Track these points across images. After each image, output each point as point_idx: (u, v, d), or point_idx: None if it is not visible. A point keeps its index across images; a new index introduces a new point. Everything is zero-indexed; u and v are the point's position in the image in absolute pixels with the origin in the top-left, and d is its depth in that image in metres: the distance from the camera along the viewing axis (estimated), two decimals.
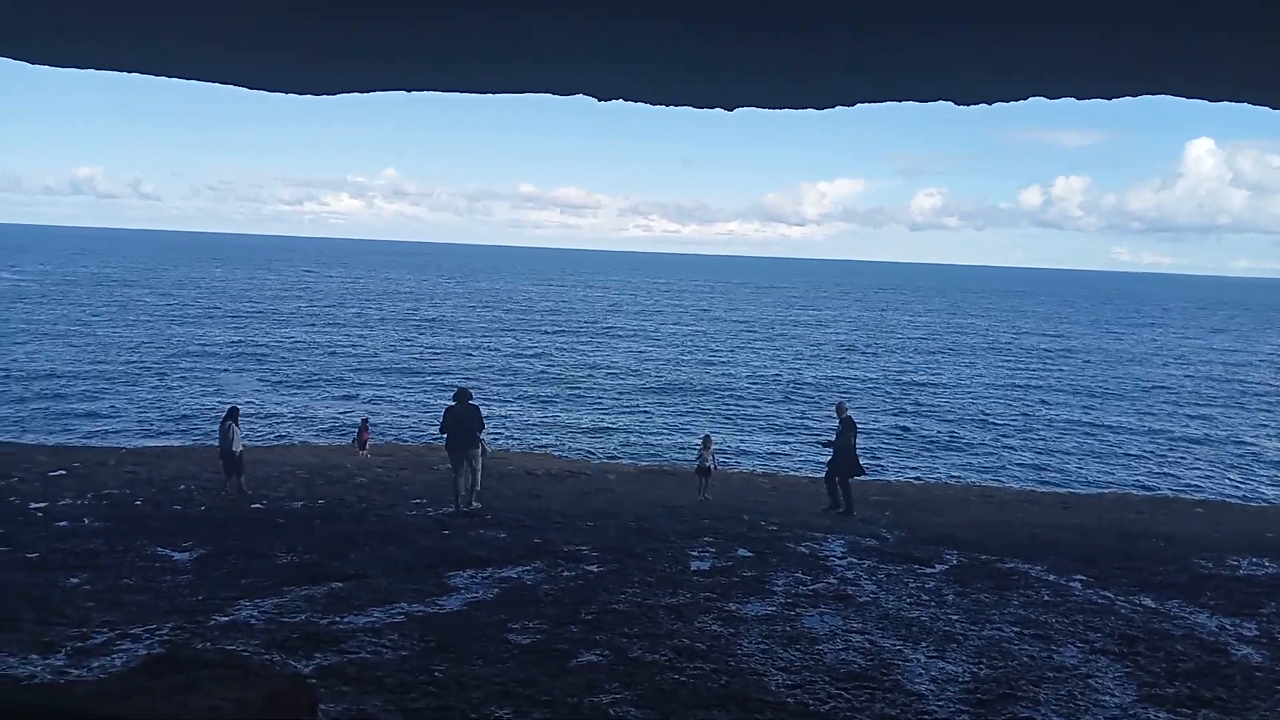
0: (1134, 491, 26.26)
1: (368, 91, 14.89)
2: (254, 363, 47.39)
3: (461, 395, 15.66)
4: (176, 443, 28.11)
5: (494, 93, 14.69)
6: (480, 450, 15.45)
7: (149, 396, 37.17)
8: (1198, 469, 31.36)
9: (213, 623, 8.67)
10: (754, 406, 41.03)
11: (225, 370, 44.57)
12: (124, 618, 8.69)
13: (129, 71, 14.97)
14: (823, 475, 18.44)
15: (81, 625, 8.38)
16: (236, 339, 56.03)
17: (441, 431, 15.59)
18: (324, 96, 15.13)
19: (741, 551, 12.81)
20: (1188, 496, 25.26)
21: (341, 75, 13.68)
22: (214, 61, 13.47)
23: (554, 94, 14.41)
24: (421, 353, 54.61)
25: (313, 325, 66.36)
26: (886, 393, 45.71)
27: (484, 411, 16.10)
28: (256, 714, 5.35)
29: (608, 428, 35.32)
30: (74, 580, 10.05)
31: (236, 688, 5.52)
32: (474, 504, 15.28)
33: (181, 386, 39.70)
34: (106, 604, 9.16)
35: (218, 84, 15.50)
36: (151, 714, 4.96)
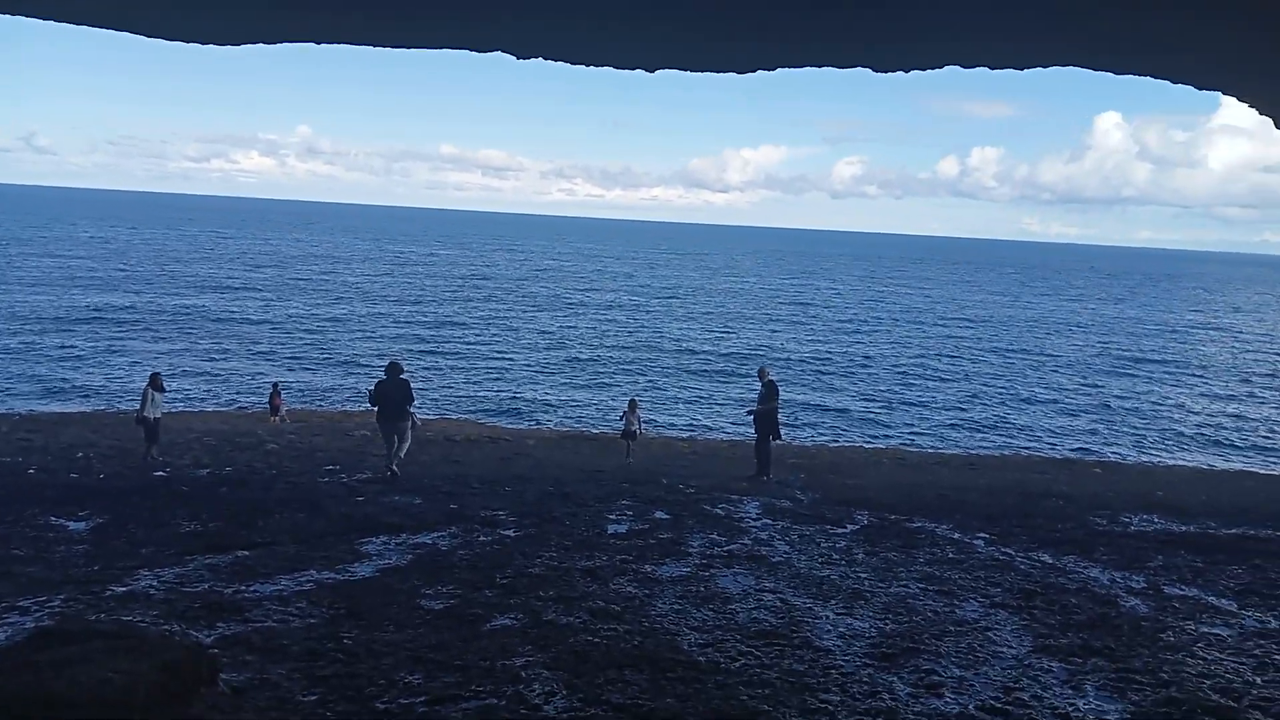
0: (1037, 453, 27.31)
1: (275, 42, 14.29)
2: (159, 326, 45.60)
3: (392, 369, 15.73)
4: (76, 409, 26.96)
5: (408, 47, 14.24)
6: (410, 423, 15.64)
7: (46, 361, 35.49)
8: (1097, 431, 32.74)
9: (109, 593, 8.35)
10: (675, 372, 41.27)
11: (129, 334, 42.80)
12: (13, 589, 8.31)
13: (21, 15, 14.07)
14: (747, 441, 18.71)
15: None
16: (141, 302, 53.80)
17: (371, 404, 15.71)
18: (228, 47, 14.46)
19: (659, 514, 12.90)
20: (1086, 458, 26.40)
21: (245, 24, 13.07)
22: (111, 6, 12.73)
23: (471, 50, 14.04)
24: (338, 318, 53.34)
25: (222, 288, 64.12)
26: (805, 358, 46.45)
27: (403, 378, 15.97)
28: (151, 685, 5.18)
29: (529, 394, 35.12)
30: None
31: (130, 659, 5.34)
32: (394, 469, 15.17)
33: (85, 349, 38.01)
34: None
35: (117, 31, 14.68)
36: (35, 689, 4.75)
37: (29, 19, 14.27)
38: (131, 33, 14.39)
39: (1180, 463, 27.05)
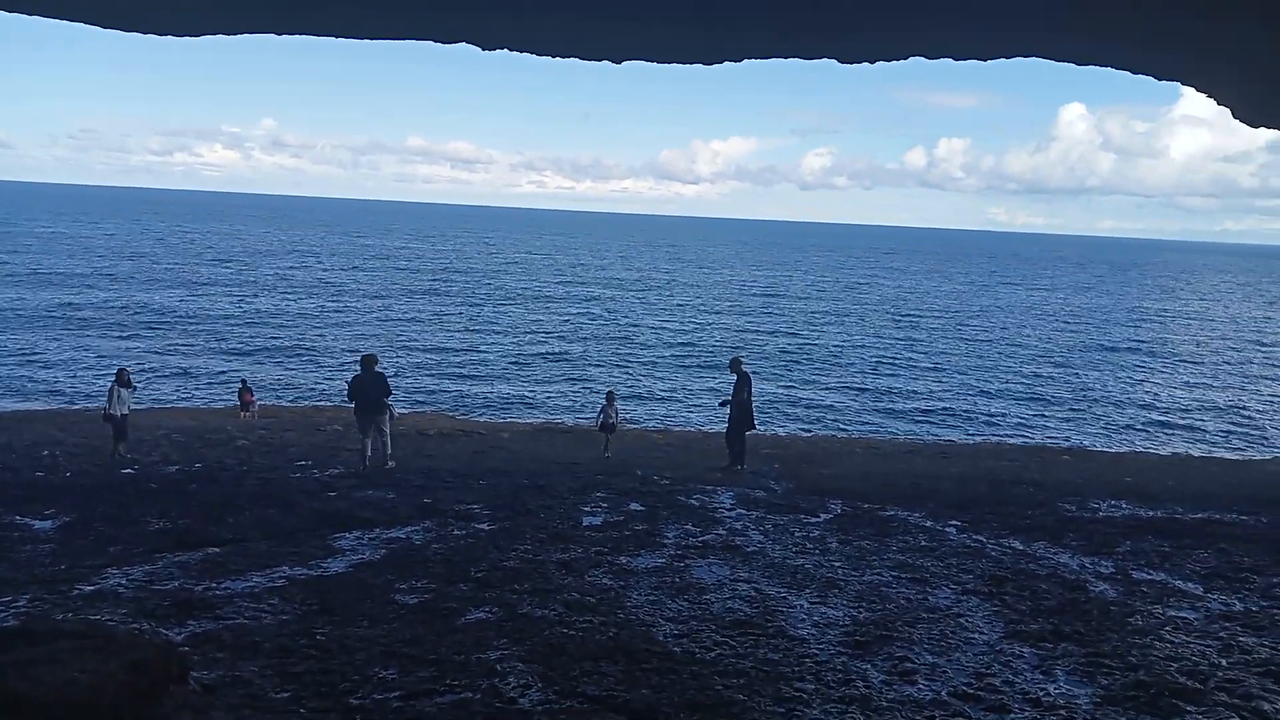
0: (1008, 440, 27.64)
1: (234, 33, 14.08)
2: (125, 322, 44.94)
3: (367, 362, 15.84)
4: (40, 406, 26.53)
5: (370, 38, 14.11)
6: (388, 415, 15.87)
7: (9, 359, 34.88)
8: (1067, 419, 33.18)
9: (76, 592, 8.22)
10: (649, 364, 41.31)
11: (94, 331, 42.15)
12: None
13: None
14: (722, 432, 18.71)
15: None
16: (106, 298, 52.99)
17: (349, 399, 15.90)
18: (187, 38, 14.23)
19: (634, 506, 12.91)
20: (1056, 445, 26.74)
21: (204, 14, 12.87)
22: None
23: (435, 41, 13.91)
24: (307, 312, 52.84)
25: (189, 283, 63.29)
26: (777, 349, 46.66)
27: (380, 367, 16.29)
28: (119, 685, 5.10)
29: (502, 387, 35.00)
30: None
31: (97, 658, 5.24)
32: (390, 464, 15.52)
33: (47, 347, 37.38)
34: None
35: (73, 22, 14.41)
36: None
37: None
38: (89, 24, 14.13)
39: (1149, 449, 27.48)
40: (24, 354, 35.82)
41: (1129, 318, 70.97)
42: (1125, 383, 41.25)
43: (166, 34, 14.07)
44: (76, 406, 26.07)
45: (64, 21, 14.40)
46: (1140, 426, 32.67)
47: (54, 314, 45.72)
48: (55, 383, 31.37)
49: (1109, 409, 35.35)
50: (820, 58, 13.83)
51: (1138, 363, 47.29)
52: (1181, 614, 8.69)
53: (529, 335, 48.33)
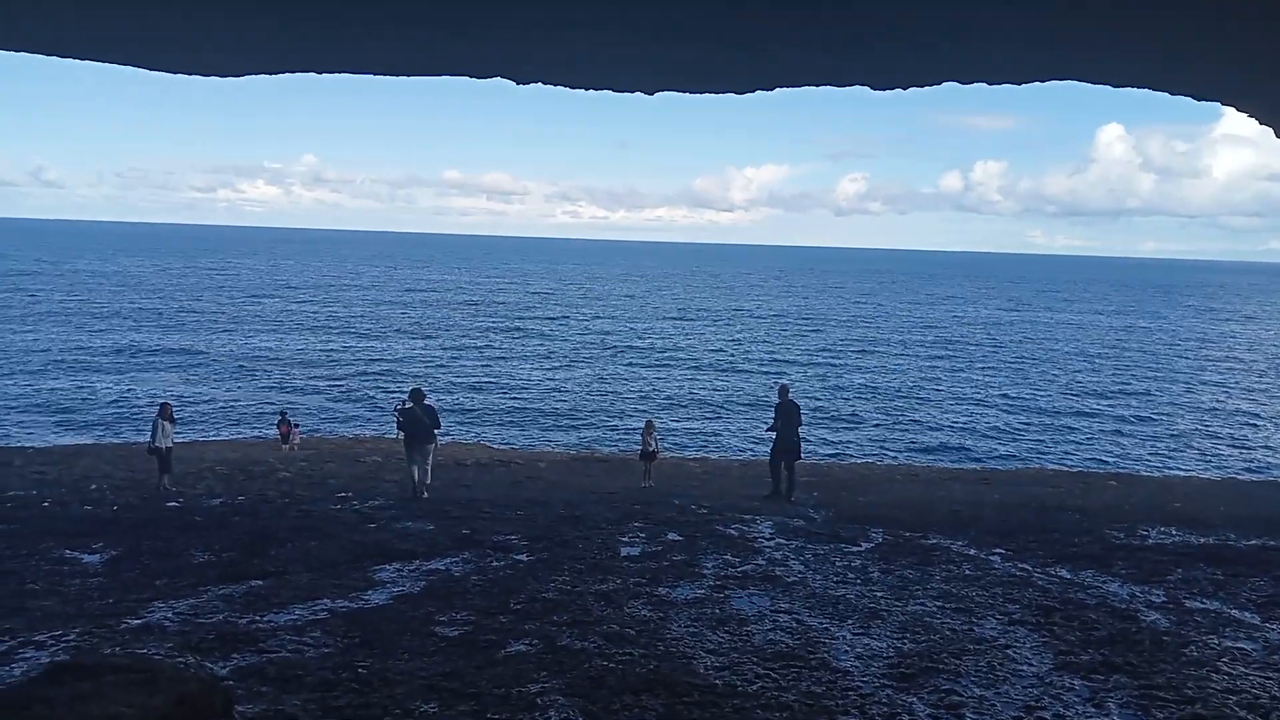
0: (1051, 466, 27.15)
1: (276, 73, 14.44)
2: (171, 357, 45.84)
3: (416, 395, 16.50)
4: (89, 440, 27.07)
5: (408, 74, 14.39)
6: (434, 445, 16.56)
7: (60, 394, 35.68)
8: (1111, 443, 32.55)
9: (123, 626, 8.33)
10: (684, 391, 41.24)
11: (141, 365, 43.02)
12: (27, 624, 8.29)
13: (28, 52, 14.27)
14: (760, 460, 18.50)
15: None
16: (152, 333, 54.12)
17: (400, 429, 16.44)
18: (229, 79, 14.61)
19: (672, 535, 12.84)
20: (1101, 470, 26.22)
21: (247, 56, 13.22)
22: (113, 42, 12.89)
23: (471, 76, 14.15)
24: (347, 345, 53.53)
25: (232, 318, 64.47)
26: (814, 375, 46.37)
27: (427, 403, 16.85)
28: (164, 719, 5.16)
29: (539, 416, 35.13)
30: None
31: (144, 693, 5.31)
32: (425, 493, 15.98)
33: (96, 383, 38.20)
34: (8, 610, 8.73)
35: (122, 66, 14.88)
36: None
37: (34, 55, 14.48)
38: (136, 67, 14.57)
39: (1197, 473, 26.85)
40: (73, 389, 36.62)
41: (1173, 339, 69.67)
42: (1172, 405, 40.42)
43: (211, 75, 14.48)
44: (120, 440, 26.55)
45: (114, 65, 14.90)
46: (1189, 450, 31.96)
47: (102, 350, 46.74)
48: (103, 417, 32.02)
49: (1155, 432, 34.64)
50: (852, 85, 13.87)
51: (1184, 385, 46.34)
52: (1239, 645, 8.45)
53: (564, 364, 48.51)
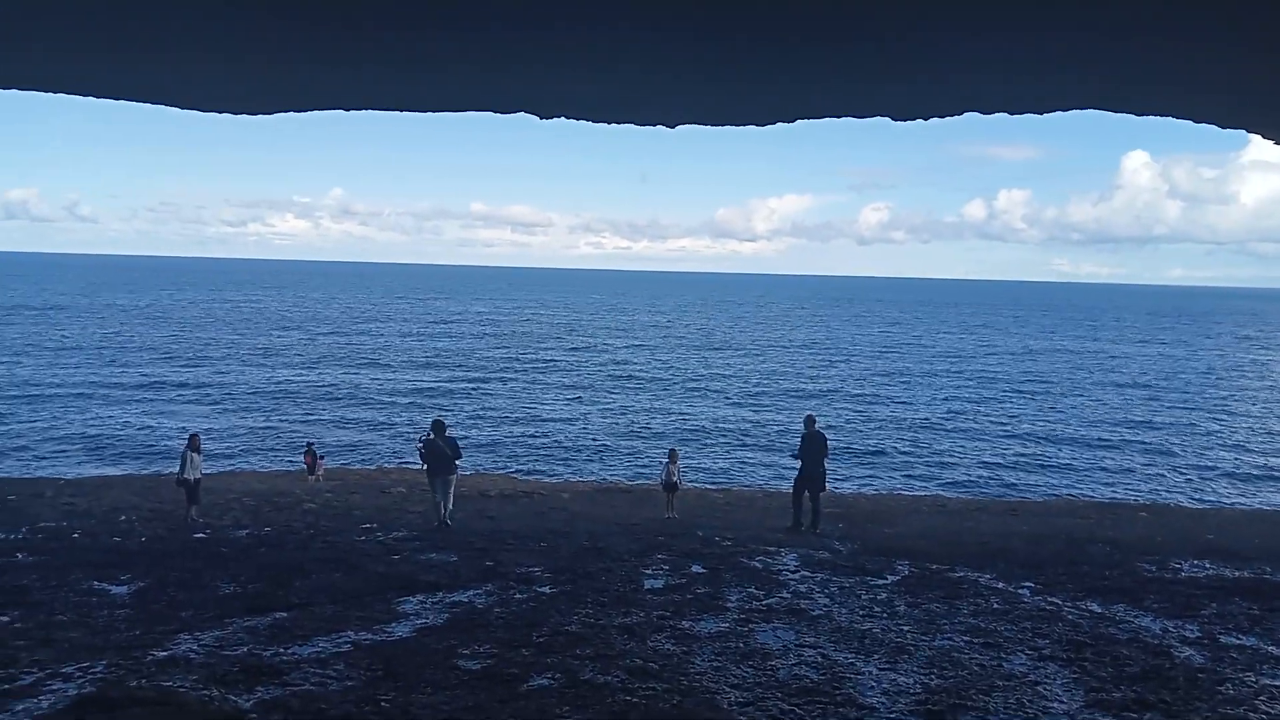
0: (1080, 497, 26.76)
1: (304, 111, 14.73)
2: (200, 389, 46.36)
3: (438, 426, 16.74)
4: (119, 472, 27.36)
5: (432, 111, 14.63)
6: (455, 476, 16.72)
7: (91, 425, 36.14)
8: (1141, 473, 32.05)
9: (150, 658, 8.38)
10: (708, 422, 41.12)
11: (170, 398, 43.53)
12: (55, 656, 8.36)
13: (63, 93, 14.65)
14: (782, 491, 18.37)
15: (9, 666, 8.04)
16: (180, 365, 54.79)
17: (422, 461, 16.63)
18: (259, 116, 14.92)
19: (695, 568, 12.77)
20: (1132, 501, 25.81)
21: (277, 95, 13.52)
22: (147, 81, 13.21)
23: (495, 112, 14.37)
24: (373, 376, 53.91)
25: (260, 350, 65.19)
26: (838, 405, 46.11)
27: (448, 435, 17.05)
28: None
29: (562, 447, 35.12)
30: (2, 619, 9.67)
31: None
32: (448, 521, 16.25)
33: (125, 414, 38.68)
34: (37, 642, 8.82)
35: (152, 104, 15.23)
36: None
37: (70, 96, 14.86)
38: (168, 106, 14.90)
39: (1231, 504, 26.36)
40: (103, 421, 37.08)
41: (1203, 367, 68.73)
42: (1203, 435, 39.78)
43: (241, 113, 14.80)
44: (149, 471, 26.82)
45: (146, 104, 15.26)
46: (1221, 480, 31.39)
47: (132, 384, 47.35)
48: (132, 448, 32.37)
49: (1187, 462, 34.08)
50: (873, 116, 13.93)
51: (1216, 414, 45.62)
52: (1276, 682, 8.26)
53: (587, 395, 48.56)
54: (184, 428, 32.64)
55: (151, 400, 42.33)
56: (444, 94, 13.37)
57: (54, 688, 7.54)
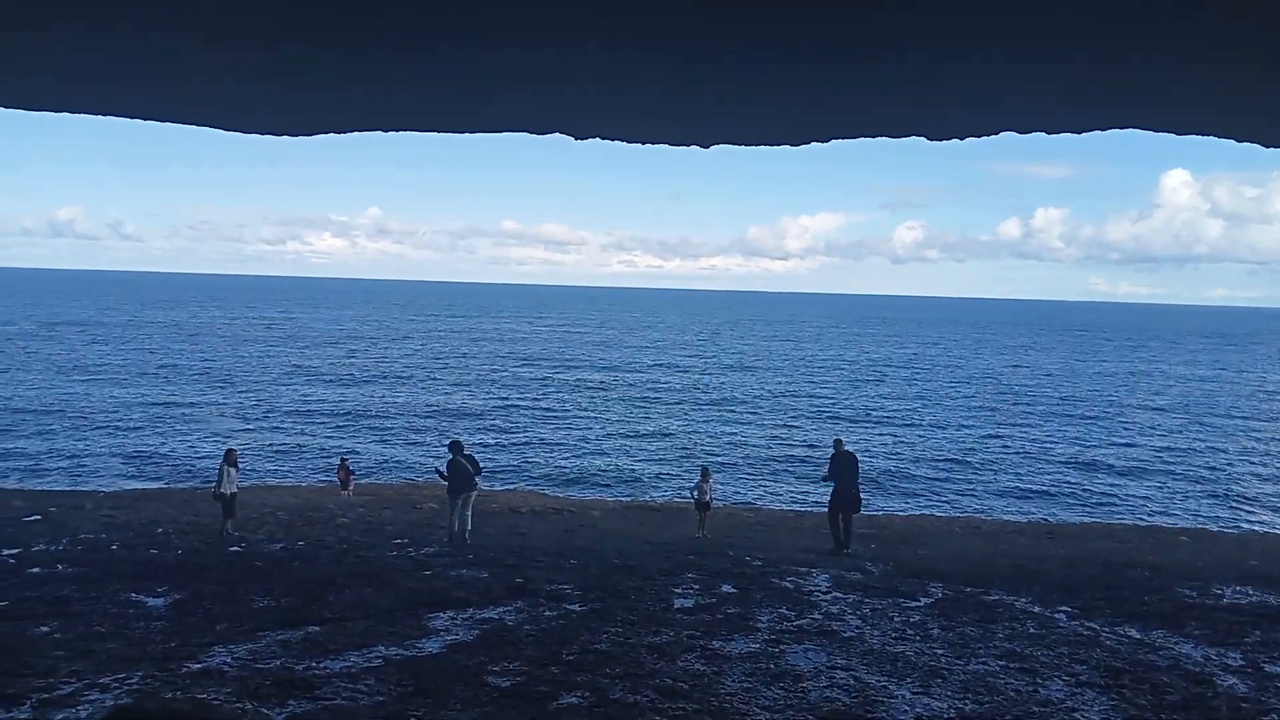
0: (1118, 520, 26.27)
1: (344, 132, 14.98)
2: (237, 403, 47.01)
3: (456, 446, 17.21)
4: (157, 485, 27.77)
5: (470, 132, 14.81)
6: (474, 492, 17.03)
7: (130, 439, 36.76)
8: (1181, 496, 31.43)
9: (185, 670, 8.48)
10: (740, 441, 40.96)
11: (208, 411, 44.18)
12: (93, 667, 8.49)
13: (109, 115, 15.01)
14: (815, 513, 18.21)
15: (48, 675, 8.19)
16: (218, 381, 55.63)
17: (444, 478, 16.93)
18: (300, 138, 15.19)
19: (726, 587, 12.70)
20: (1171, 525, 25.30)
21: (316, 117, 13.77)
22: (190, 104, 13.51)
23: (531, 133, 14.51)
24: (408, 393, 54.35)
25: (296, 366, 66.01)
26: (873, 425, 45.74)
27: (467, 449, 17.52)
28: None
29: (593, 465, 35.14)
30: (43, 629, 9.84)
31: None
32: (467, 539, 16.45)
33: (164, 428, 39.29)
34: (76, 653, 8.96)
35: (194, 126, 15.56)
36: None
37: (118, 118, 15.24)
38: (210, 128, 15.21)
39: (1275, 529, 25.75)
40: (143, 435, 37.70)
41: (1245, 389, 67.37)
42: (1245, 458, 38.95)
43: (283, 135, 15.08)
44: (186, 485, 27.21)
45: (189, 126, 15.60)
46: (1264, 505, 30.69)
47: (172, 399, 48.13)
48: (170, 462, 32.86)
49: (1229, 487, 33.36)
50: (908, 135, 13.89)
51: (1258, 437, 44.66)
52: None
53: (618, 412, 48.59)
54: (221, 442, 33.12)
55: (189, 415, 42.97)
56: (483, 116, 13.56)
57: (91, 698, 7.66)
